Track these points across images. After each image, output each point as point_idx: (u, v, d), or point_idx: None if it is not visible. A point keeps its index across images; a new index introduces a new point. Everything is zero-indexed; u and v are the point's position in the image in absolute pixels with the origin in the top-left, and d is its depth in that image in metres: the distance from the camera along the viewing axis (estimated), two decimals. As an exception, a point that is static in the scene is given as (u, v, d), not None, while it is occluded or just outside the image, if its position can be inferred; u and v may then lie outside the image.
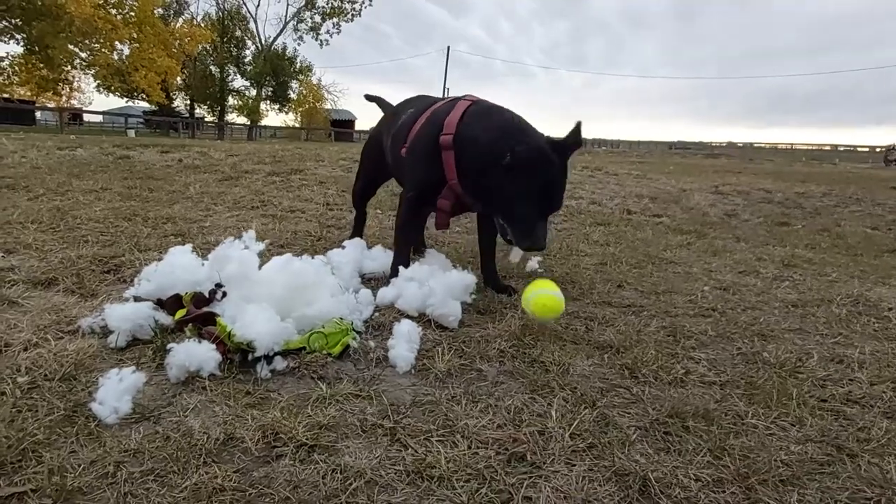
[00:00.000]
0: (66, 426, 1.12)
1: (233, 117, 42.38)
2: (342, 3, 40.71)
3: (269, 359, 1.44)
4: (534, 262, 2.55)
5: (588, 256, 2.96)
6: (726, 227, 4.43)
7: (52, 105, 30.51)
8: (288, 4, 40.81)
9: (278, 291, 1.53)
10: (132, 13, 27.13)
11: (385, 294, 1.89)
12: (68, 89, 29.85)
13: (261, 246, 1.68)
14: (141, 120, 35.93)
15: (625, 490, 1.05)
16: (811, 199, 6.63)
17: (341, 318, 1.61)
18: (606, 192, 5.90)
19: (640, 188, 6.49)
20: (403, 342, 1.53)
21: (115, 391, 1.20)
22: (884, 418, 1.38)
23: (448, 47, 49.33)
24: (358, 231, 2.87)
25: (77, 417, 1.15)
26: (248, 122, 40.62)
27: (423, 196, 2.11)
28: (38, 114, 34.22)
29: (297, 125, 42.75)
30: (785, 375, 1.57)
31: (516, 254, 2.11)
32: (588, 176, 7.21)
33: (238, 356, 1.44)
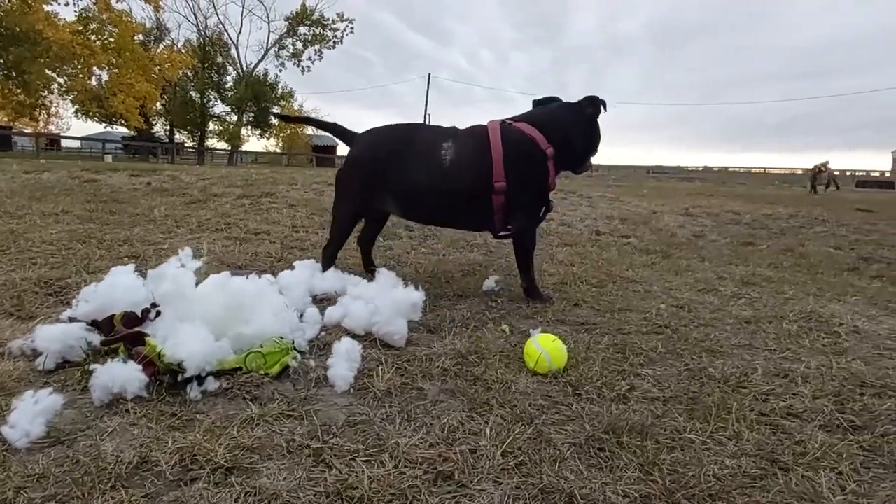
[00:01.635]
0: (-29, 451, 1.07)
1: (213, 143, 42.31)
2: (324, 30, 41.13)
3: (200, 379, 1.39)
4: (490, 282, 2.54)
5: (550, 276, 2.96)
6: (692, 248, 4.48)
7: (28, 130, 30.21)
8: (270, 31, 41.21)
9: (214, 310, 1.49)
10: (111, 39, 27.11)
11: (332, 313, 1.86)
12: (46, 115, 29.62)
13: (197, 264, 1.65)
14: (119, 145, 35.68)
15: (550, 508, 1.02)
16: (778, 221, 6.74)
17: (281, 337, 1.58)
18: (578, 214, 5.94)
19: (611, 210, 6.55)
20: (343, 361, 1.50)
21: (29, 414, 1.15)
22: (822, 431, 1.37)
23: (429, 74, 50.01)
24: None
25: (-16, 441, 1.10)
26: (229, 148, 40.53)
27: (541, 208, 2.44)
28: (14, 139, 33.77)
29: (278, 150, 42.77)
30: (728, 390, 1.56)
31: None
32: (562, 198, 7.27)
33: (168, 377, 1.40)
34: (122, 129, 36.29)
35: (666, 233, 5.33)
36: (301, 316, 1.80)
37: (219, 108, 42.27)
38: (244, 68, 41.30)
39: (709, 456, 1.23)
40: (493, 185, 2.26)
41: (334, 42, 41.61)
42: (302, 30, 41.36)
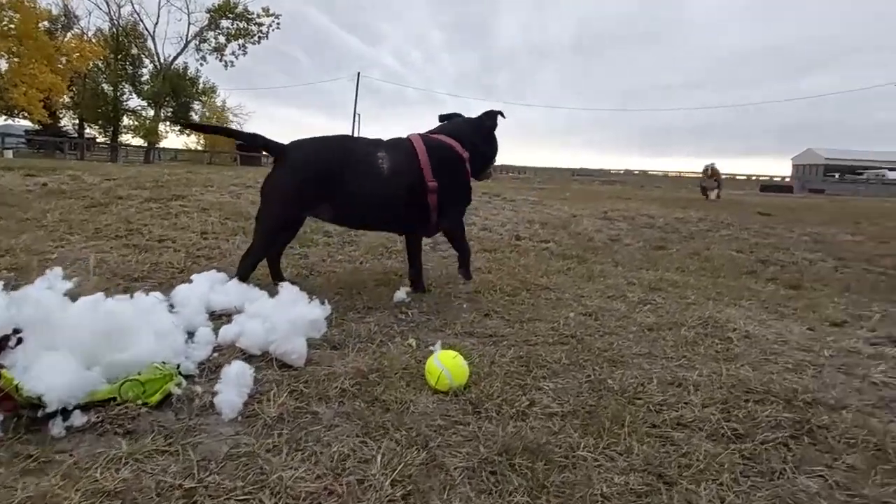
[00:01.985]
0: None
1: (128, 138, 40.01)
2: (248, 24, 39.81)
3: (65, 414, 1.27)
4: (401, 293, 2.50)
5: (464, 284, 2.95)
6: (607, 252, 4.62)
7: (-89, 122, 27.49)
8: (189, 23, 39.25)
9: (84, 336, 1.37)
10: (12, 25, 25.08)
11: (227, 332, 1.76)
12: (-66, 105, 27.06)
13: (67, 285, 1.51)
14: (22, 140, 33.08)
15: (434, 541, 0.99)
16: (688, 224, 7.09)
17: (164, 363, 1.47)
18: (500, 219, 6.00)
19: (533, 214, 6.67)
20: (231, 386, 1.42)
21: None
22: (708, 441, 1.42)
23: (358, 73, 49.35)
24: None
25: None
26: (146, 144, 38.45)
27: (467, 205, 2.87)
28: None
29: (200, 148, 40.97)
30: (624, 402, 1.59)
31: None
32: (485, 202, 7.33)
33: (29, 412, 1.27)
34: (26, 123, 33.69)
35: (584, 237, 5.48)
36: (191, 336, 1.69)
37: (134, 101, 39.96)
38: (162, 61, 39.28)
39: (599, 473, 1.24)
40: (427, 185, 2.53)
41: (259, 37, 40.35)
42: (225, 23, 39.85)
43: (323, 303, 2.06)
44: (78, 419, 1.27)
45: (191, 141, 41.36)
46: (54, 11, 32.18)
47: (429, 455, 1.26)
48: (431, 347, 1.84)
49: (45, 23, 29.31)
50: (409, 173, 2.52)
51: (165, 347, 1.51)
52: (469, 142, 2.70)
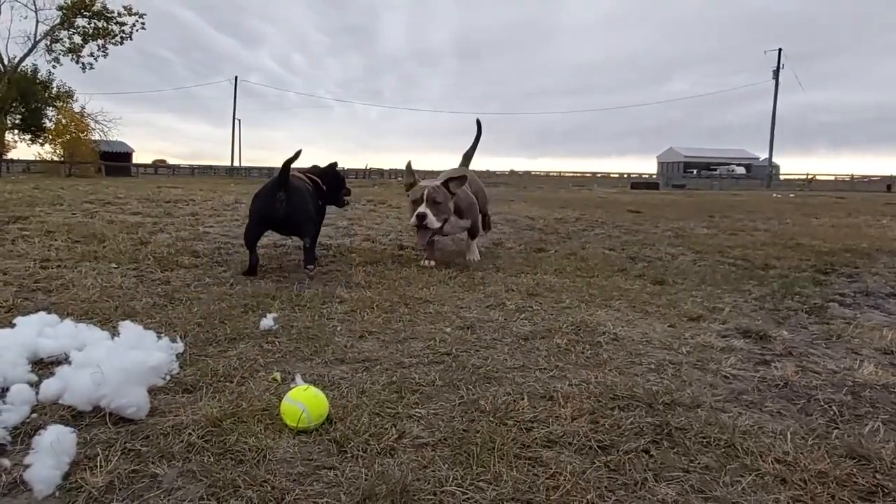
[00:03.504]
0: None
1: (-33, 150, 35.45)
2: (108, 23, 36.71)
3: None
4: (269, 320, 2.34)
5: (342, 303, 2.84)
6: (489, 258, 4.68)
7: None
8: (38, 21, 35.43)
9: None
10: None
11: (49, 387, 1.52)
12: None
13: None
14: None
15: None
16: (566, 224, 7.43)
17: (-40, 435, 1.24)
18: (383, 228, 5.92)
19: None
20: (47, 457, 1.21)
21: None
22: (576, 456, 1.42)
23: (236, 77, 47.22)
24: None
25: None
26: (-10, 155, 34.24)
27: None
28: None
29: (56, 158, 37.08)
30: (496, 423, 1.57)
31: None
32: (369, 211, 7.23)
33: None
34: None
35: (466, 244, 5.52)
36: (3, 395, 1.44)
37: (-27, 108, 35.49)
38: (6, 63, 35.19)
39: (467, 508, 1.19)
40: None
41: (122, 37, 37.37)
42: (80, 22, 36.48)
43: (175, 340, 1.87)
44: None
45: (45, 151, 37.37)
46: None
47: (283, 513, 1.14)
48: (294, 383, 1.72)
49: None
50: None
51: (-38, 415, 1.27)
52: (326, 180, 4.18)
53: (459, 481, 1.28)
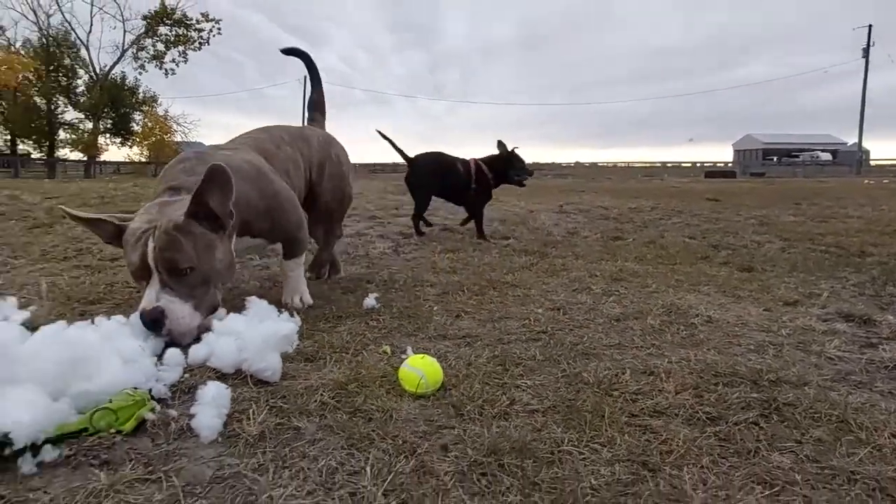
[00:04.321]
0: None
1: (66, 152, 38.35)
2: (188, 30, 38.76)
3: (35, 449, 1.21)
4: (371, 300, 2.48)
5: (432, 286, 2.96)
6: (567, 245, 4.70)
7: None
8: (125, 31, 37.92)
9: (48, 367, 1.31)
10: (-70, 39, 23.67)
11: (196, 352, 1.71)
12: None
13: (25, 314, 1.44)
14: (-52, 159, 31.29)
15: (433, 548, 0.99)
16: (641, 214, 7.30)
17: (135, 388, 1.42)
18: (458, 217, 6.02)
19: (490, 211, 6.72)
20: (208, 407, 1.38)
21: None
22: (685, 426, 1.46)
23: (305, 77, 48.73)
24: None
25: None
26: (85, 158, 36.94)
27: None
28: None
29: (143, 160, 39.57)
30: (601, 394, 1.63)
31: None
32: (443, 201, 7.35)
33: (-6, 451, 1.21)
34: (-50, 141, 31.91)
35: (543, 231, 5.57)
36: (160, 358, 1.64)
37: (70, 114, 38.42)
38: (98, 71, 37.83)
39: (586, 466, 1.26)
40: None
41: (200, 43, 39.39)
42: (163, 30, 38.71)
43: (292, 315, 2.04)
44: (49, 454, 1.21)
45: (133, 153, 39.92)
46: (-25, 23, 30.58)
47: (417, 462, 1.25)
48: (404, 355, 1.84)
49: (-34, 35, 27.81)
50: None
51: (135, 372, 1.45)
52: None
53: (575, 443, 1.35)
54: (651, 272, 3.53)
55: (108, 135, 39.05)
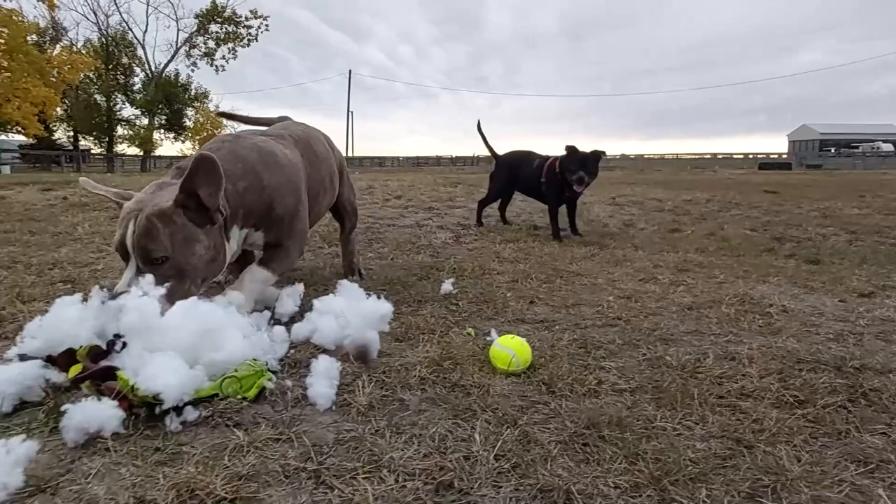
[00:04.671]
0: (-56, 512, 1.01)
1: (123, 148, 39.97)
2: (237, 28, 39.73)
3: (178, 410, 1.36)
4: (447, 285, 2.59)
5: (500, 274, 3.04)
6: (625, 237, 4.70)
7: None
8: (179, 30, 39.26)
9: (184, 338, 1.45)
10: (1, 41, 25.00)
11: (300, 330, 1.84)
12: (-73, 124, 27.03)
13: (161, 290, 1.59)
14: (17, 155, 33.00)
15: (550, 506, 1.08)
16: (698, 206, 7.18)
17: (255, 360, 1.56)
18: (513, 209, 6.08)
19: (543, 204, 6.75)
20: (322, 379, 1.50)
21: (3, 465, 1.09)
22: (773, 408, 1.51)
23: (350, 71, 49.34)
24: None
25: (-44, 500, 1.04)
26: (141, 153, 38.43)
27: None
28: None
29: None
30: (686, 377, 1.68)
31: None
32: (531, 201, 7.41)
33: (144, 410, 1.36)
34: (19, 137, 33.64)
35: (598, 223, 5.57)
36: (269, 334, 1.77)
37: (127, 111, 39.95)
38: (153, 69, 39.20)
39: (681, 441, 1.32)
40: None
41: (249, 40, 40.33)
42: (213, 27, 39.77)
43: (379, 298, 2.15)
44: (190, 414, 1.35)
45: (186, 148, 41.28)
46: (41, 24, 32.11)
47: (521, 432, 1.34)
48: (489, 337, 1.93)
49: (33, 36, 29.22)
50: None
51: (254, 346, 1.59)
52: None
53: (668, 419, 1.42)
54: (716, 263, 3.52)
55: (162, 130, 40.50)
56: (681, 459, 1.22)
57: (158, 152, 40.77)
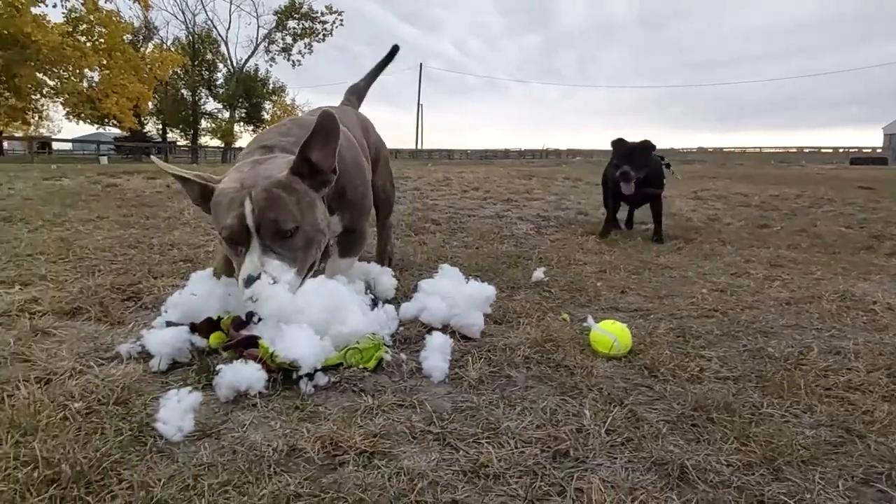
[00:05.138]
0: (137, 445, 1.18)
1: (206, 140, 42.12)
2: (313, 23, 40.95)
3: (311, 375, 1.50)
4: (539, 273, 2.65)
5: (587, 265, 3.08)
6: (711, 232, 4.60)
7: (19, 134, 30.02)
8: (259, 26, 40.91)
9: (314, 312, 1.60)
10: (101, 40, 26.93)
11: (408, 308, 1.97)
12: (37, 118, 29.48)
13: (291, 271, 1.74)
14: (112, 146, 35.52)
15: (665, 478, 1.14)
16: (786, 202, 6.89)
17: (373, 334, 1.69)
18: (591, 202, 6.05)
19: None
20: (437, 353, 1.62)
21: (177, 411, 1.26)
22: (883, 402, 1.49)
23: (420, 64, 49.82)
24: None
25: (145, 437, 1.21)
26: (223, 145, 40.40)
27: None
28: (5, 144, 33.60)
29: (271, 146, 42.52)
30: (790, 368, 1.68)
31: None
32: (571, 186, 7.39)
33: (280, 374, 1.51)
34: (114, 130, 36.15)
35: (681, 217, 5.46)
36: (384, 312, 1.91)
37: (210, 105, 42.12)
38: (234, 64, 41.07)
39: (790, 428, 1.34)
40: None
41: (324, 35, 41.50)
42: (291, 23, 41.16)
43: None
44: (321, 379, 1.50)
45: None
46: (136, 24, 34.27)
47: (628, 411, 1.40)
48: (585, 323, 1.98)
49: (128, 35, 31.26)
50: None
51: (371, 321, 1.72)
52: None
53: (775, 407, 1.44)
54: (810, 260, 3.41)
55: (241, 123, 42.43)
56: (792, 443, 1.25)
57: (237, 144, 42.69)
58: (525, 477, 1.13)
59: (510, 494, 1.08)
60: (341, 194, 1.99)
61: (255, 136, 2.02)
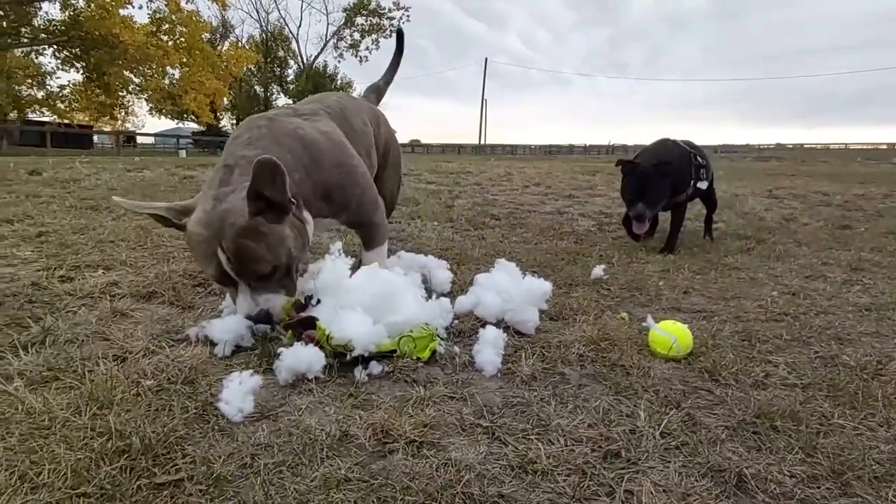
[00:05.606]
0: (201, 423, 1.25)
1: (277, 135, 43.66)
2: (380, 19, 41.60)
3: (365, 363, 1.54)
4: (599, 270, 2.60)
5: (649, 263, 2.99)
6: (786, 232, 4.36)
7: (108, 129, 32.09)
8: (328, 24, 42.01)
9: (368, 299, 1.63)
10: (182, 39, 28.34)
11: (463, 302, 1.98)
12: (123, 113, 31.40)
13: (350, 260, 1.80)
14: (190, 140, 37.38)
15: (721, 485, 1.10)
16: (872, 202, 6.44)
17: (427, 324, 1.71)
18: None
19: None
20: (490, 347, 1.62)
21: (238, 392, 1.32)
22: (975, 420, 1.38)
23: (486, 59, 49.68)
24: None
25: (208, 416, 1.28)
26: (292, 139, 41.80)
27: None
28: (95, 137, 36.04)
29: (338, 140, 43.70)
30: (867, 378, 1.58)
31: None
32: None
33: (336, 362, 1.56)
34: (192, 125, 37.99)
35: (754, 216, 5.20)
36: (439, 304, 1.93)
37: (281, 100, 43.58)
38: (304, 61, 42.33)
39: (863, 441, 1.26)
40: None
41: (391, 31, 42.01)
42: (359, 20, 41.95)
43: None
44: (375, 368, 1.53)
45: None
46: (213, 23, 35.86)
47: (685, 414, 1.36)
48: (644, 323, 1.93)
49: (207, 34, 32.75)
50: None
51: (426, 312, 1.74)
52: None
53: (847, 418, 1.35)
54: (897, 264, 3.17)
55: (310, 118, 43.70)
56: (864, 457, 1.17)
57: (306, 138, 44.06)
58: (573, 475, 1.12)
59: (557, 492, 1.07)
60: (326, 197, 2.00)
61: (233, 133, 2.06)
